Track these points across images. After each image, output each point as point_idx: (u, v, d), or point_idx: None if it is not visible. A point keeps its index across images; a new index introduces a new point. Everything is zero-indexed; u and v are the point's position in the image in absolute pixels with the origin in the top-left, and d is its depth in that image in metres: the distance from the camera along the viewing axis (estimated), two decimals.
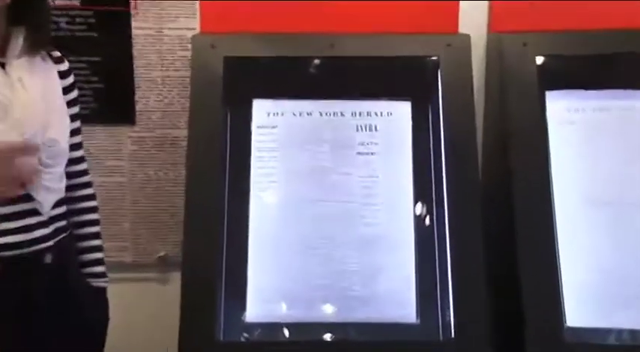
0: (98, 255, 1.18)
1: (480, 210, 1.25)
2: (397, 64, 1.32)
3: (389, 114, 1.35)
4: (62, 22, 1.39)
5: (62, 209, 1.08)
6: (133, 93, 1.44)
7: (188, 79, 1.36)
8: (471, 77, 1.31)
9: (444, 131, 1.29)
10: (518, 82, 1.29)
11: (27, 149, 0.97)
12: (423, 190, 1.31)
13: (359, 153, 1.33)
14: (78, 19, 1.40)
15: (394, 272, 1.28)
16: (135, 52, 1.42)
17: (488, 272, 1.23)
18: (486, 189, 1.34)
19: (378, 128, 1.34)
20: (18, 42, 1.00)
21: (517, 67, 1.30)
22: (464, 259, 1.23)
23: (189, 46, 1.37)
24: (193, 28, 1.40)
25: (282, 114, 1.34)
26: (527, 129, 1.28)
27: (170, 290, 1.36)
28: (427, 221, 1.30)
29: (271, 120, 1.34)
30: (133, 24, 1.41)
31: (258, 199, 1.31)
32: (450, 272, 1.23)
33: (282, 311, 1.27)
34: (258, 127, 1.34)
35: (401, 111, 1.35)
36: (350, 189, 1.31)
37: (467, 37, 1.32)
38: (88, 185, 1.17)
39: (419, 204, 1.31)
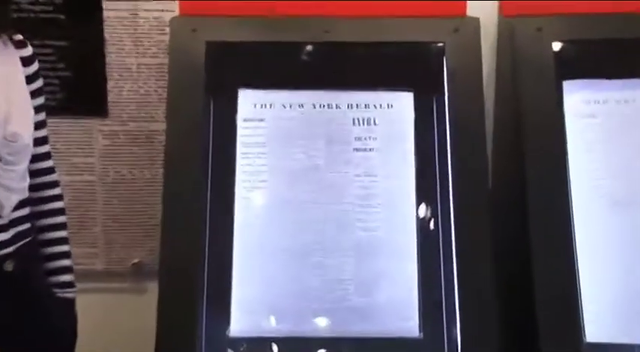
0: (65, 263, 1.17)
1: (489, 213, 1.25)
2: (398, 50, 1.32)
3: (389, 106, 1.34)
4: (24, 1, 1.37)
5: (25, 211, 1.07)
6: (105, 82, 1.43)
7: (166, 67, 1.35)
8: (480, 66, 1.30)
9: (449, 125, 1.28)
10: (533, 71, 1.28)
11: None
12: (426, 190, 1.30)
13: (356, 150, 1.32)
14: None
15: (395, 282, 1.27)
16: (107, 36, 1.42)
17: (499, 282, 1.22)
18: (496, 190, 1.33)
19: (377, 121, 1.33)
20: None
21: (531, 54, 1.29)
22: (472, 267, 1.22)
23: (168, 29, 1.35)
24: (172, 10, 1.39)
25: (271, 106, 1.33)
26: (543, 124, 1.27)
27: (146, 302, 1.35)
28: (431, 225, 1.29)
29: (259, 112, 1.33)
30: (105, 5, 1.40)
31: (244, 201, 1.30)
32: (456, 281, 1.22)
33: (270, 325, 1.26)
34: (244, 120, 1.33)
35: (402, 103, 1.34)
36: (346, 189, 1.30)
37: (476, 21, 1.31)
38: (54, 184, 1.16)
39: (422, 206, 1.30)
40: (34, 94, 1.08)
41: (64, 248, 1.17)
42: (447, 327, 1.24)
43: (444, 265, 1.27)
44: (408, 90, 1.34)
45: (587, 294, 1.23)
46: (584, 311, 1.22)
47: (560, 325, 1.20)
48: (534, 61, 1.29)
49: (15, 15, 1.25)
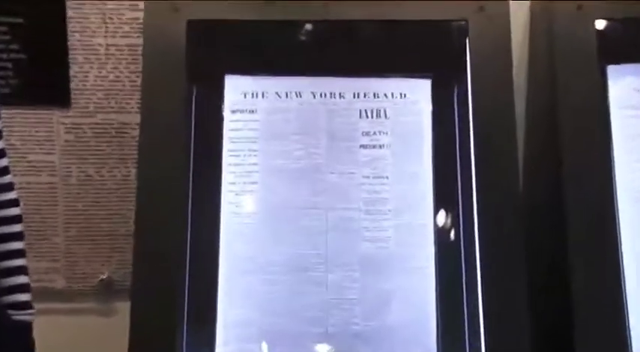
0: (21, 280, 1.14)
1: (521, 222, 1.24)
2: (414, 30, 1.31)
3: (402, 95, 1.33)
4: None
5: None
6: (68, 67, 1.43)
7: (140, 49, 1.34)
8: (510, 49, 1.29)
9: (473, 118, 1.27)
10: (572, 54, 1.28)
11: None
12: (446, 195, 1.30)
13: (363, 147, 1.32)
14: None
15: (408, 302, 1.27)
16: (70, 13, 1.41)
17: (532, 300, 1.21)
18: (529, 193, 1.32)
19: (388, 114, 1.32)
20: None
21: (570, 35, 1.28)
22: (500, 284, 1.21)
23: (142, 5, 1.35)
24: None
25: (264, 96, 1.33)
26: (584, 115, 1.27)
27: (115, 325, 1.35)
28: (452, 235, 1.29)
29: (249, 102, 1.32)
30: None
31: (232, 207, 1.29)
32: (480, 301, 1.21)
33: None
34: (232, 112, 1.32)
35: (418, 92, 1.33)
36: (351, 193, 1.30)
37: None
38: (8, 187, 1.14)
39: (441, 213, 1.29)
40: None
41: (20, 262, 1.14)
42: None
43: (466, 283, 1.25)
44: (425, 77, 1.33)
45: (636, 309, 1.22)
46: (631, 329, 1.21)
47: (603, 345, 1.20)
48: (573, 43, 1.28)
49: None
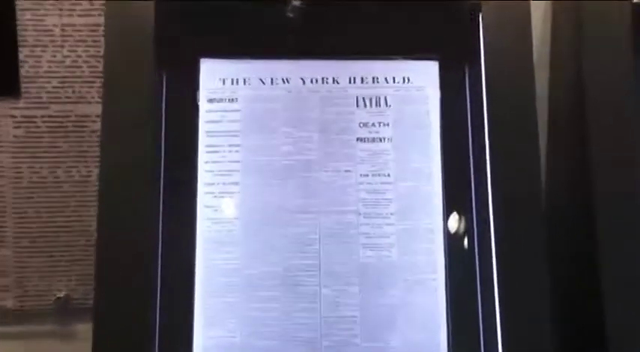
0: None
1: (543, 227, 1.23)
2: (419, 5, 1.32)
3: (406, 80, 1.33)
4: None
5: None
6: (16, 51, 1.42)
7: (101, 30, 1.35)
8: (529, 26, 1.29)
9: (487, 106, 1.27)
10: (603, 35, 1.28)
11: None
12: (457, 195, 1.29)
13: (361, 140, 1.31)
14: None
15: (414, 319, 1.26)
16: None
17: (555, 315, 1.22)
18: (552, 192, 1.32)
19: (389, 101, 1.32)
20: None
21: (601, 13, 1.28)
22: (520, 297, 1.21)
23: None
24: None
25: (246, 82, 1.32)
26: (615, 106, 1.27)
27: (74, 350, 1.36)
28: (464, 241, 1.28)
29: (228, 90, 1.32)
30: None
31: (210, 211, 1.28)
32: (498, 318, 1.21)
33: None
34: (209, 101, 1.31)
35: (424, 76, 1.33)
36: (347, 194, 1.30)
37: None
38: None
39: (453, 217, 1.29)
40: None
41: None
42: None
43: (482, 298, 1.25)
44: (432, 59, 1.33)
45: None
46: None
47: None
48: (605, 22, 1.28)
49: None
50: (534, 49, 1.29)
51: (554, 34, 1.43)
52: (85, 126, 1.44)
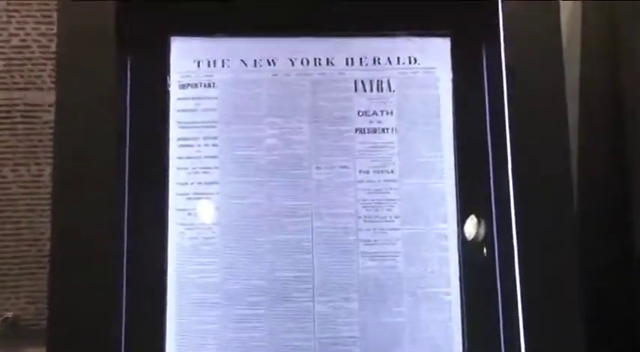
0: None
1: (574, 233, 1.21)
2: None
3: (412, 60, 1.31)
4: None
5: None
6: None
7: (53, 3, 1.35)
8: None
9: (508, 91, 1.26)
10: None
11: None
12: (474, 195, 1.27)
13: (360, 131, 1.29)
14: None
15: (423, 340, 1.25)
16: None
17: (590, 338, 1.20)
18: (585, 192, 1.31)
19: (392, 85, 1.30)
20: None
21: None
22: (548, 316, 1.19)
23: None
24: None
25: (224, 64, 1.30)
26: None
27: None
28: (483, 249, 1.26)
29: (204, 73, 1.30)
30: None
31: (184, 216, 1.26)
32: (523, 339, 1.19)
33: None
34: (181, 87, 1.29)
35: (434, 56, 1.31)
36: (344, 194, 1.28)
37: None
38: None
39: (470, 221, 1.26)
40: None
41: None
42: None
43: (503, 315, 1.23)
44: (443, 35, 1.31)
45: None
46: None
47: None
48: None
49: None
50: (563, 27, 1.29)
51: (585, 12, 1.43)
52: (36, 117, 1.44)
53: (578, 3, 1.43)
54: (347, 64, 1.31)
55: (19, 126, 1.45)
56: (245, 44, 1.31)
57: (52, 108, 1.28)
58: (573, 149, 1.37)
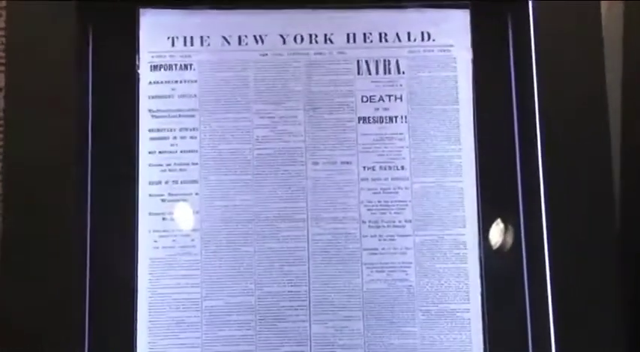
0: None
1: (615, 241, 1.14)
2: None
3: (425, 36, 1.22)
4: None
5: None
6: None
7: None
8: None
9: (537, 72, 1.17)
10: None
11: None
12: (497, 195, 1.19)
13: (364, 120, 1.21)
14: None
15: None
16: None
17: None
18: (626, 199, 1.24)
19: (402, 66, 1.21)
20: None
21: None
22: (584, 337, 1.11)
23: None
24: None
25: (203, 41, 1.22)
26: None
27: None
28: (509, 259, 1.18)
29: (180, 53, 1.22)
30: None
31: (157, 221, 1.18)
32: None
33: None
34: (153, 68, 1.21)
35: (450, 31, 1.22)
36: (346, 194, 1.20)
37: None
38: None
39: (496, 226, 1.18)
40: None
41: None
42: None
43: (532, 337, 1.15)
44: (462, 6, 1.23)
45: None
46: None
47: None
48: None
49: None
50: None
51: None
52: None
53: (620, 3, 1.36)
54: (348, 41, 1.22)
55: None
56: (228, 18, 1.22)
57: (1, 95, 1.21)
58: (615, 151, 1.29)
